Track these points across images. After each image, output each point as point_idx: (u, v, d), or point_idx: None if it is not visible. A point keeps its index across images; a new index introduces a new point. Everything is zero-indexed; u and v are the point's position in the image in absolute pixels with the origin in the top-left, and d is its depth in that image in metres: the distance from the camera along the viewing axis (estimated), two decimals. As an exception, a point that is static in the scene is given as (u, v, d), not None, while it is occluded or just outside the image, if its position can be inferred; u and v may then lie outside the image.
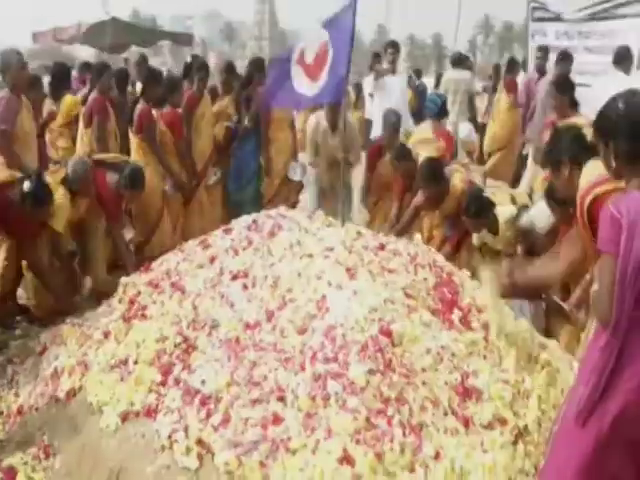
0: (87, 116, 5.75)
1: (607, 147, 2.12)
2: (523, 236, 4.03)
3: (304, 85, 4.04)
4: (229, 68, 6.48)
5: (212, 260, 3.45)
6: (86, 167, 4.48)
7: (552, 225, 3.65)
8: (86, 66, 8.31)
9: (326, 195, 5.97)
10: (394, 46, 7.59)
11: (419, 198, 4.53)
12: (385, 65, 7.56)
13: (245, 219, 3.78)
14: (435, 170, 4.48)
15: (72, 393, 3.22)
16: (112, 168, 4.73)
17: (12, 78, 4.73)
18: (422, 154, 4.80)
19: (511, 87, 8.44)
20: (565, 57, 7.21)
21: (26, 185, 3.95)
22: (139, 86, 6.66)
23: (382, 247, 3.21)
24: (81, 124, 5.83)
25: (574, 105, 5.13)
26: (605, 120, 2.14)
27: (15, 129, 4.69)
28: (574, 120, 4.76)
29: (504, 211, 4.08)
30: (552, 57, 8.31)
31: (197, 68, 5.91)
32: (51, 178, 4.29)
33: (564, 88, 5.28)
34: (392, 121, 5.58)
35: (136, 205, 5.31)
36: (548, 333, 3.67)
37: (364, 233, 3.45)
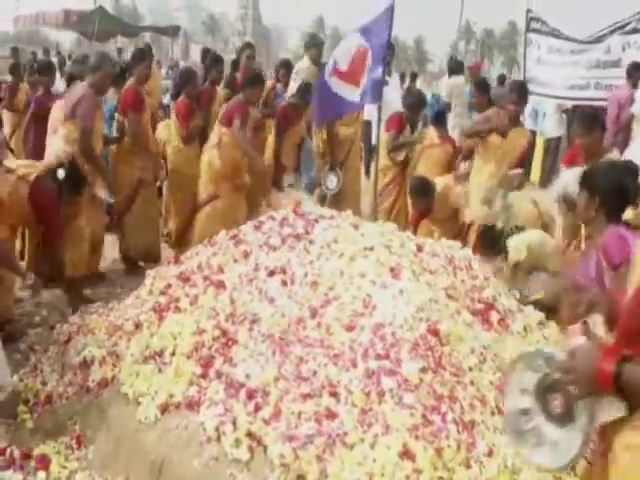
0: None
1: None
2: (562, 202, 4.04)
3: (346, 91, 4.12)
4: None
5: (246, 255, 3.47)
6: None
7: None
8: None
9: None
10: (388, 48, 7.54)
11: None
12: None
13: (274, 216, 3.81)
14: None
15: (104, 383, 3.22)
16: None
17: (99, 79, 4.84)
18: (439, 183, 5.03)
19: None
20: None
21: (60, 173, 3.97)
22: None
23: (420, 248, 3.27)
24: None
25: (491, 103, 5.91)
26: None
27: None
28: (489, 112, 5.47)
29: (523, 239, 4.05)
30: (545, 69, 8.50)
31: (212, 61, 5.92)
32: None
33: (483, 89, 6.23)
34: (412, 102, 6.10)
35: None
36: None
37: (399, 234, 3.51)
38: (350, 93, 4.07)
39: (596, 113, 4.62)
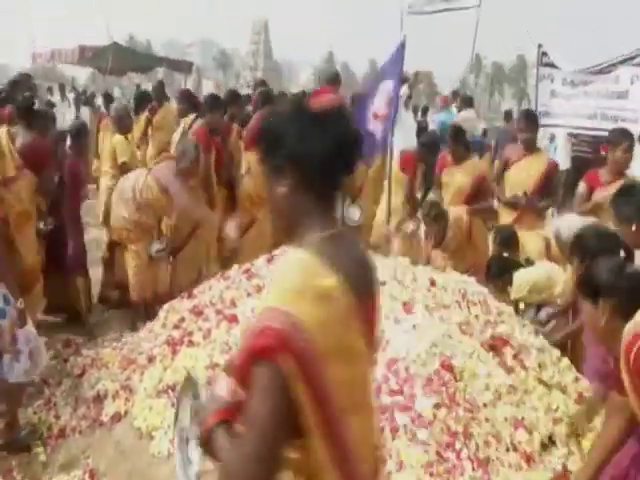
0: None
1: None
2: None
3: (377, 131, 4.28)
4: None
5: (258, 289, 3.49)
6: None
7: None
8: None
9: None
10: (404, 80, 7.46)
11: None
12: None
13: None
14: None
15: (117, 417, 3.22)
16: None
17: (186, 166, 4.77)
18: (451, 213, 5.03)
19: None
20: None
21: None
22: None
23: (433, 283, 3.27)
24: None
25: (468, 150, 5.61)
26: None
27: None
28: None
29: (529, 277, 4.01)
30: (559, 102, 8.57)
31: (231, 97, 6.02)
32: None
33: (458, 137, 5.65)
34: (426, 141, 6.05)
35: None
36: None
37: (412, 267, 3.51)
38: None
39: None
